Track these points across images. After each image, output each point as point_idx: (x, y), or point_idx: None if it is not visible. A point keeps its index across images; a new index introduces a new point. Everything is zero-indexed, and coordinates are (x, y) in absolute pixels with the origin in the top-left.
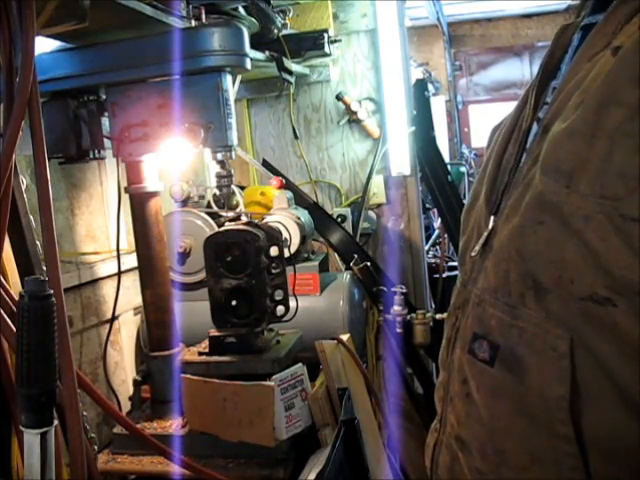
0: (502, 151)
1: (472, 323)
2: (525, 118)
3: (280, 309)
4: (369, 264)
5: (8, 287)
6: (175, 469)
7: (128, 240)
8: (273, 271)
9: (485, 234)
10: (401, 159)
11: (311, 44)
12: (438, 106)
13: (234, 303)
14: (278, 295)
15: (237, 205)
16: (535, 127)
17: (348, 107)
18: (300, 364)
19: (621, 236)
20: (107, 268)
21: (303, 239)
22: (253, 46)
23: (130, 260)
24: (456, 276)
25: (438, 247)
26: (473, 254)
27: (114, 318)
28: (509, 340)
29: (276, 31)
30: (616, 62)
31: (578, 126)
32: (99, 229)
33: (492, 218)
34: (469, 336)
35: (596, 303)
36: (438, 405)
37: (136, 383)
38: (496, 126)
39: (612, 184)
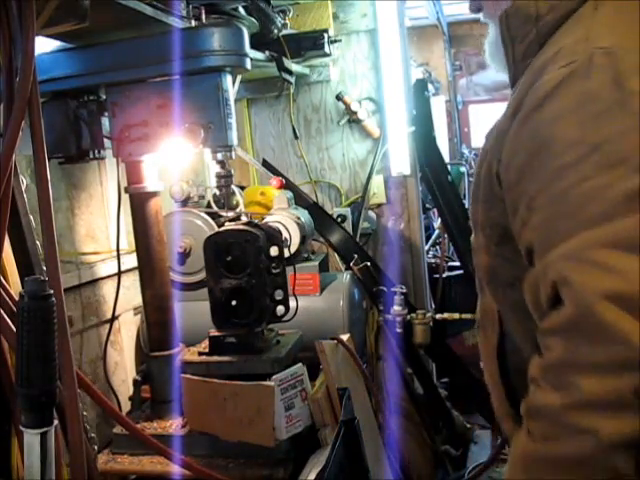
0: None
1: None
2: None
3: (280, 309)
4: (369, 264)
5: (8, 287)
6: (175, 469)
7: (128, 240)
8: (273, 271)
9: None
10: (401, 159)
11: (311, 44)
12: (438, 106)
13: (234, 303)
14: (278, 295)
15: (237, 205)
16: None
17: (348, 107)
18: (300, 364)
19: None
20: (107, 268)
21: (303, 239)
22: (253, 46)
23: (130, 260)
24: (456, 276)
25: (438, 247)
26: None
27: (114, 318)
28: (481, 309)
29: (276, 31)
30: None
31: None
32: (99, 229)
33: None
34: None
35: (506, 286)
36: None
37: (136, 383)
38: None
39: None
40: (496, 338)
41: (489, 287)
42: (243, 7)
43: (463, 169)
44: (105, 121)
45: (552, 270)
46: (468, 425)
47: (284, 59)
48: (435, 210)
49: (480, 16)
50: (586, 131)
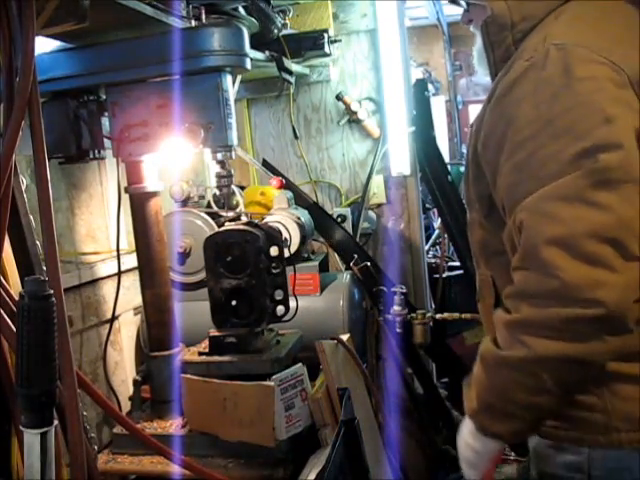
0: None
1: None
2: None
3: (280, 309)
4: (369, 264)
5: (8, 287)
6: (175, 469)
7: (128, 240)
8: (273, 271)
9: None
10: (401, 159)
11: (311, 44)
12: (438, 106)
13: (234, 303)
14: (278, 295)
15: (237, 205)
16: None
17: (348, 107)
18: (300, 364)
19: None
20: (107, 268)
21: (303, 239)
22: (253, 46)
23: (130, 260)
24: (456, 276)
25: (438, 247)
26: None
27: (114, 318)
28: (479, 280)
29: (276, 31)
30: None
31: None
32: (99, 229)
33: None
34: None
35: (497, 254)
36: None
37: (136, 383)
38: None
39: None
40: (492, 302)
41: (482, 258)
42: (243, 7)
43: (463, 169)
44: (105, 121)
45: (517, 221)
46: None
47: (284, 59)
48: (435, 210)
49: (471, 27)
50: (541, 110)
